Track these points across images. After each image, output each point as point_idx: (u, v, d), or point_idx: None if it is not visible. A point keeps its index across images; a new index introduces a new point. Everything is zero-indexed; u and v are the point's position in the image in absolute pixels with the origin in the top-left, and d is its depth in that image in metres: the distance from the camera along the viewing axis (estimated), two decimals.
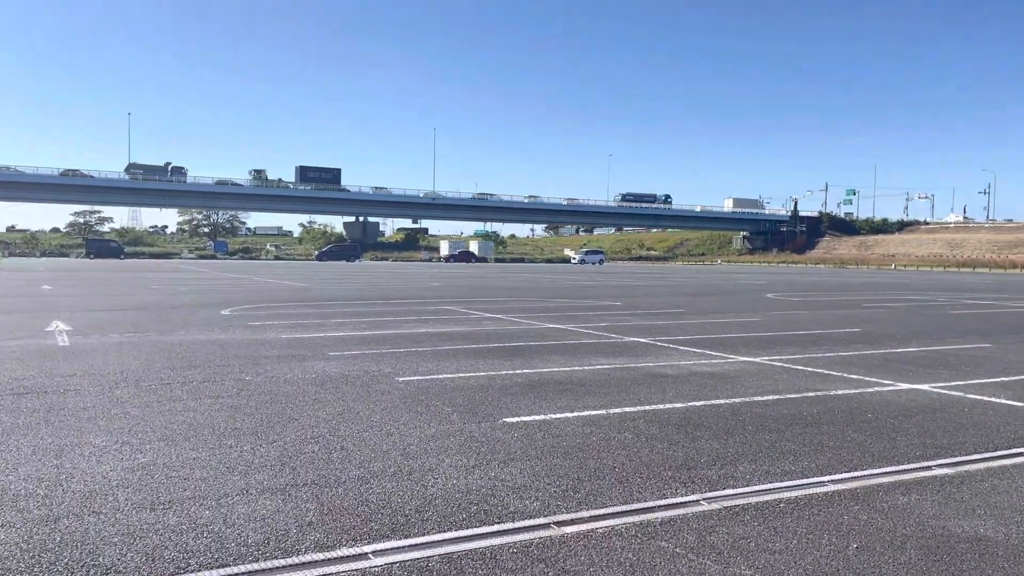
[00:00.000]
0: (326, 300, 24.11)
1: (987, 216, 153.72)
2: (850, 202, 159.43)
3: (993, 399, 8.75)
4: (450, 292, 29.68)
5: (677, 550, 4.32)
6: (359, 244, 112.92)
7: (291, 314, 18.76)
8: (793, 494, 5.31)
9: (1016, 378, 10.22)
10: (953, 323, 18.54)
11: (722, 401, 8.47)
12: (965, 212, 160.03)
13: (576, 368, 10.67)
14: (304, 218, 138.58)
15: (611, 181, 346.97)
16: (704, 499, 5.20)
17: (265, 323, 16.31)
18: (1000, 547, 4.36)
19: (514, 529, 4.63)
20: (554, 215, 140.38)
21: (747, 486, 5.48)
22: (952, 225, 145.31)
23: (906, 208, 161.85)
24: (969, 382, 9.88)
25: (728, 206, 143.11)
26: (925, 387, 9.51)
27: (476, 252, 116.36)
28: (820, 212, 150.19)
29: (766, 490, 5.39)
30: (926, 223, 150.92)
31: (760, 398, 8.66)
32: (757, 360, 11.69)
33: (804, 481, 5.62)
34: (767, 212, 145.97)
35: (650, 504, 5.08)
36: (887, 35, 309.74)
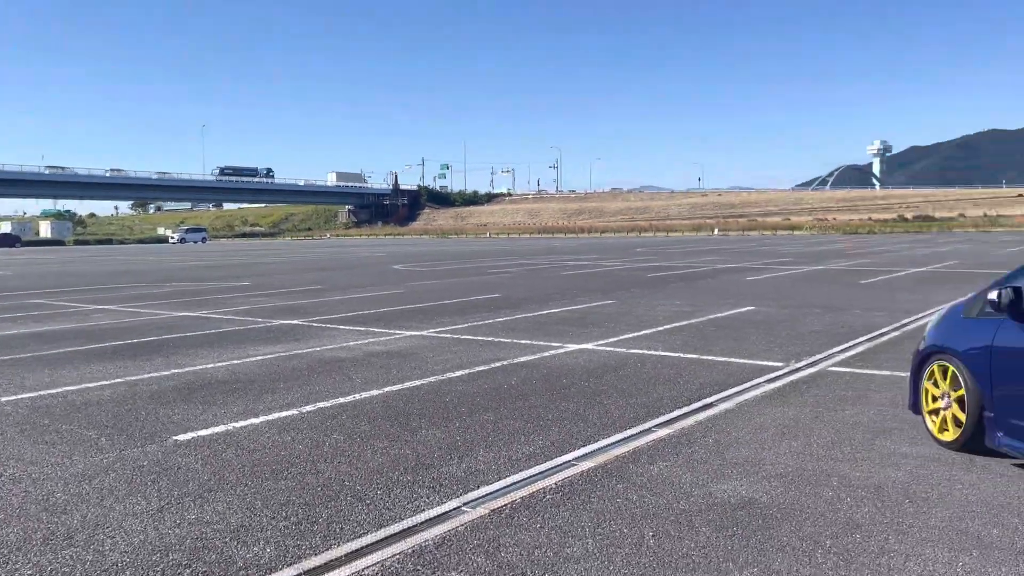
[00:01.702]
0: None
1: (556, 188, 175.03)
2: (444, 176, 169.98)
3: (653, 352, 9.36)
4: (31, 283, 24.85)
5: None
6: None
7: None
8: (550, 481, 4.85)
9: (656, 330, 11.18)
10: (572, 283, 20.19)
11: (418, 382, 7.83)
12: (539, 184, 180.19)
13: (235, 361, 9.21)
14: None
15: (208, 154, 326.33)
16: (465, 504, 4.49)
17: None
18: (772, 508, 4.33)
19: None
20: (144, 191, 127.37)
21: (499, 479, 4.90)
22: (531, 196, 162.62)
23: (491, 181, 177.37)
24: (622, 337, 10.54)
25: (332, 180, 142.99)
26: (591, 346, 9.89)
27: (49, 234, 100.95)
28: (419, 186, 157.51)
29: (521, 481, 4.86)
30: (510, 195, 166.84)
31: (453, 374, 8.19)
32: (425, 333, 11.28)
33: (552, 463, 5.20)
34: (370, 186, 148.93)
35: (410, 523, 4.23)
36: (461, 18, 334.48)
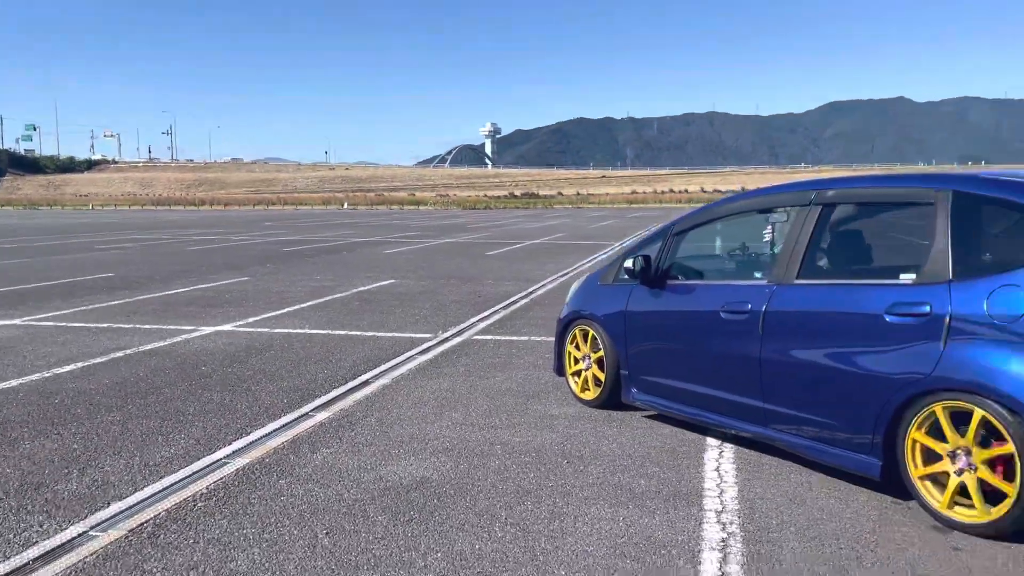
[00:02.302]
0: None
1: (172, 156, 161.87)
2: (31, 139, 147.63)
3: (300, 330, 8.88)
4: None
5: None
6: None
7: None
8: (200, 485, 4.24)
9: (300, 307, 10.67)
10: (200, 259, 18.60)
11: (15, 383, 6.47)
12: (151, 152, 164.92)
13: None
14: None
15: None
16: (93, 528, 3.72)
17: None
18: (445, 485, 4.23)
19: None
20: None
21: (136, 491, 4.17)
22: (141, 164, 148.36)
23: (92, 146, 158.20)
24: (263, 316, 9.87)
25: None
26: (229, 327, 9.09)
27: None
28: None
29: (164, 490, 4.18)
30: (115, 162, 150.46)
31: (62, 370, 6.92)
32: (17, 322, 9.47)
33: (200, 465, 4.57)
34: None
35: (18, 562, 3.37)
36: None
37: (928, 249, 3.75)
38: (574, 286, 6.17)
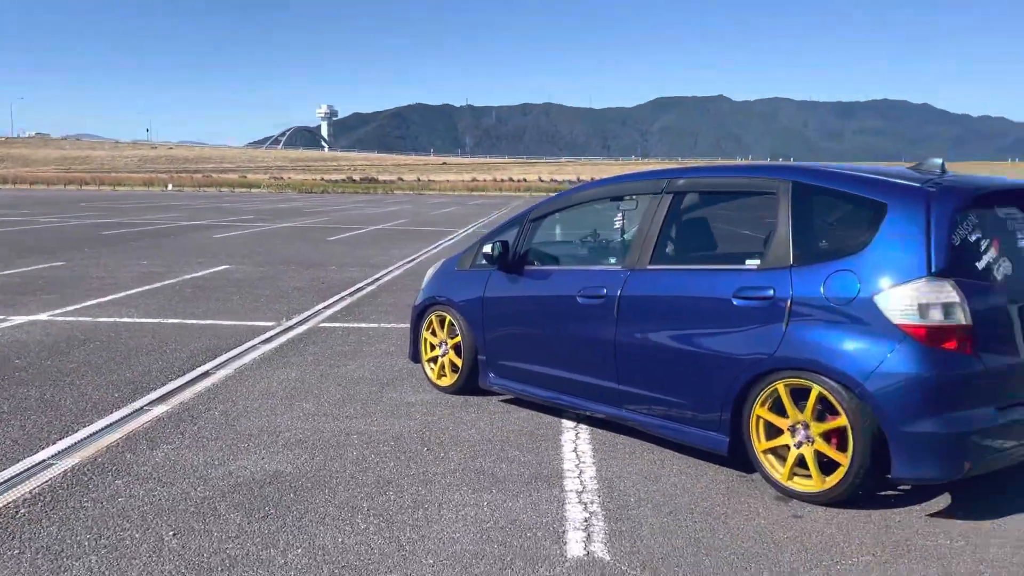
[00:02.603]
0: None
1: None
2: None
3: (128, 319, 8.25)
4: None
5: None
6: None
7: None
8: (22, 490, 3.83)
9: (127, 293, 9.89)
10: (1, 242, 16.85)
11: None
12: None
13: None
14: None
15: None
16: None
17: None
18: (302, 478, 4.05)
19: None
20: None
21: None
22: None
23: None
24: (85, 304, 9.09)
25: None
26: (45, 317, 8.30)
27: None
28: None
29: None
30: None
31: None
32: None
33: (20, 468, 4.13)
34: None
35: None
36: None
37: (771, 236, 3.99)
38: (430, 272, 6.09)
